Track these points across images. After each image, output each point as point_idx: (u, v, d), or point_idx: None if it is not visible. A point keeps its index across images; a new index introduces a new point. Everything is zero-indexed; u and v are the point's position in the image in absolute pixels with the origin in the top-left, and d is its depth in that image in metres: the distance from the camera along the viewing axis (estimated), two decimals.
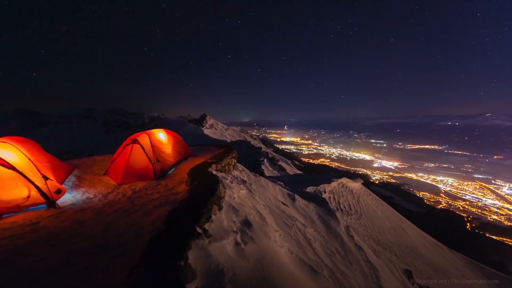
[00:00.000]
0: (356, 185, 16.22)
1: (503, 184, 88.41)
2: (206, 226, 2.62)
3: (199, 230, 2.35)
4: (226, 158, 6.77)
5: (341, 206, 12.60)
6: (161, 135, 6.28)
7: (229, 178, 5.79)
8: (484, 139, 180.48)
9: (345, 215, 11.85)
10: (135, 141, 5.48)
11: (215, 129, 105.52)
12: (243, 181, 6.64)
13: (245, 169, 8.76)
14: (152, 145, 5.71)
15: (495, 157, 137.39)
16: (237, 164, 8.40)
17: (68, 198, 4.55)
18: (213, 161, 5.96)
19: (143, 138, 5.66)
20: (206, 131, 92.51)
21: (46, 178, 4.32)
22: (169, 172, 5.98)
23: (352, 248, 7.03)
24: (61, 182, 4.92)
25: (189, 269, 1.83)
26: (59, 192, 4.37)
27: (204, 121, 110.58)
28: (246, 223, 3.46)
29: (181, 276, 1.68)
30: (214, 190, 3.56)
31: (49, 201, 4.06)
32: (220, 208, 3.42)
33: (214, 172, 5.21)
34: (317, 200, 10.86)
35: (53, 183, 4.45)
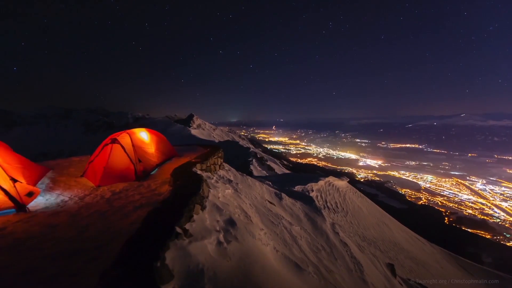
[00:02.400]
0: (342, 183, 16.62)
1: (476, 180, 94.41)
2: (187, 226, 2.54)
3: (178, 230, 2.28)
4: (211, 158, 6.67)
5: (328, 204, 12.85)
6: (143, 135, 6.06)
7: (214, 177, 5.70)
8: (460, 138, 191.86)
9: (332, 212, 12.09)
10: (114, 141, 5.25)
11: (202, 129, 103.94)
12: (229, 181, 6.58)
13: (232, 168, 8.68)
14: (134, 145, 5.50)
15: (469, 155, 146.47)
16: (224, 164, 8.31)
17: (40, 201, 4.26)
18: (198, 161, 5.85)
19: (124, 137, 5.43)
20: (194, 131, 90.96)
21: (14, 181, 4.02)
22: (152, 172, 5.79)
23: (337, 244, 7.17)
24: (33, 185, 4.60)
25: (166, 270, 1.76)
26: (30, 195, 4.09)
27: (191, 121, 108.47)
28: (230, 222, 3.41)
29: (156, 278, 1.61)
30: (197, 190, 3.48)
31: (18, 205, 3.78)
32: (203, 208, 3.35)
33: (199, 172, 5.11)
34: (304, 198, 10.99)
35: (23, 186, 4.15)
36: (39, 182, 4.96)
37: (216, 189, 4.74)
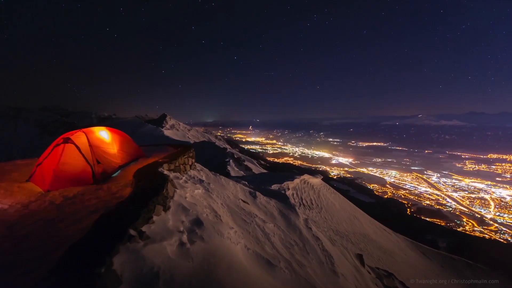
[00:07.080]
0: (316, 181, 17.19)
1: (432, 174, 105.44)
2: (145, 227, 2.34)
3: (132, 232, 2.08)
4: (181, 157, 6.37)
5: (304, 201, 13.18)
6: (103, 134, 5.55)
7: (183, 178, 5.45)
8: (418, 137, 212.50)
9: (307, 209, 12.41)
10: (67, 140, 4.71)
11: (176, 129, 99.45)
12: (200, 181, 6.35)
13: (204, 168, 8.42)
14: (91, 145, 5.00)
15: (426, 151, 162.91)
16: (196, 164, 8.02)
17: None
18: (166, 161, 5.54)
19: (79, 136, 4.91)
20: (167, 132, 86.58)
21: None
22: (114, 175, 5.33)
23: (310, 239, 7.34)
24: None
25: (113, 276, 1.57)
26: None
27: (164, 121, 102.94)
28: (197, 222, 3.25)
29: (99, 285, 1.42)
30: (159, 190, 3.25)
31: None
32: (166, 208, 3.14)
33: (166, 172, 4.83)
34: (279, 196, 11.11)
35: None
36: None
37: (183, 189, 4.51)
